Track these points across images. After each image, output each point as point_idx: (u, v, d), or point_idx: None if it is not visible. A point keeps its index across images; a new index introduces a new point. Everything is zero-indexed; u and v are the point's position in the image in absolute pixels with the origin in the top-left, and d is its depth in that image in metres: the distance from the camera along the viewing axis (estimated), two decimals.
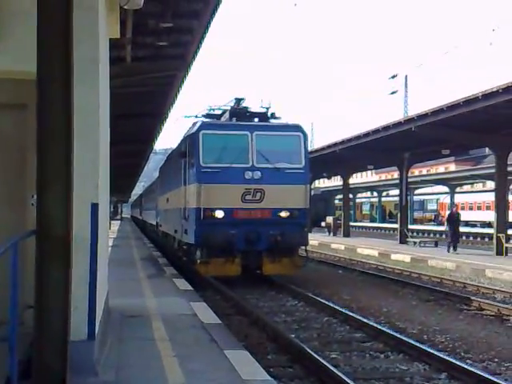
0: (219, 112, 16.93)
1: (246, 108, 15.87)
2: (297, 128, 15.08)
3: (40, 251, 3.86)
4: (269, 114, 15.70)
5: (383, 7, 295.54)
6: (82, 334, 5.18)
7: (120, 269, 14.36)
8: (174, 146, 21.74)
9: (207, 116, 16.94)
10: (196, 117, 17.08)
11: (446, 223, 25.66)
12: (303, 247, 14.99)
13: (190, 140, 15.02)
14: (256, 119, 15.57)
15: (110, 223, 21.95)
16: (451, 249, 23.91)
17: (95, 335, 5.36)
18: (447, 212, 51.83)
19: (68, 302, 3.89)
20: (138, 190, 74.01)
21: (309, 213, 14.93)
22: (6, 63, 5.30)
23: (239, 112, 15.61)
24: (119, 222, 64.22)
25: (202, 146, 14.29)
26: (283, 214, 14.27)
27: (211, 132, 14.64)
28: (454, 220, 24.46)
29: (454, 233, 24.35)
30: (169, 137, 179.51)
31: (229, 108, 16.06)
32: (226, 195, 14.04)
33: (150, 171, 72.92)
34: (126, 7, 7.84)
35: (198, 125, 15.01)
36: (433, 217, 59.27)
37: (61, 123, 3.87)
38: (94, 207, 5.36)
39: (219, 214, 13.99)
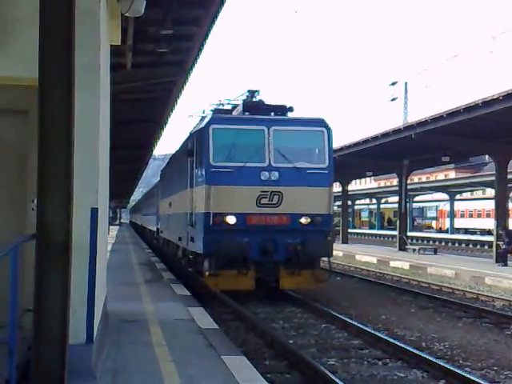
0: (229, 107, 15.17)
1: (261, 101, 14.11)
2: (320, 122, 13.31)
3: (40, 255, 3.88)
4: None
5: (384, 15, 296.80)
6: (81, 338, 5.20)
7: (118, 273, 14.36)
8: (174, 151, 21.21)
9: (216, 112, 15.03)
10: (203, 112, 15.44)
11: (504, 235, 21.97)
12: (326, 258, 13.26)
13: (198, 136, 13.33)
14: (272, 114, 13.65)
15: (108, 228, 21.94)
16: None
17: (93, 339, 5.38)
18: (447, 219, 52.06)
19: (67, 306, 3.91)
20: (136, 195, 74.06)
21: (332, 219, 13.40)
22: (8, 69, 5.34)
23: (254, 105, 13.82)
24: (118, 227, 64.23)
25: (212, 142, 12.61)
26: (304, 221, 12.67)
27: (223, 126, 12.91)
28: None
29: None
30: (168, 143, 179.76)
31: (240, 102, 14.28)
32: (239, 198, 12.46)
33: (149, 177, 73.08)
34: (127, 14, 7.91)
35: (207, 119, 13.33)
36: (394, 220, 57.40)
37: (62, 129, 3.91)
38: (94, 212, 5.40)
39: (231, 219, 12.42)
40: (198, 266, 13.52)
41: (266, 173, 12.56)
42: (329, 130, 13.24)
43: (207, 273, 12.61)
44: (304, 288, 13.36)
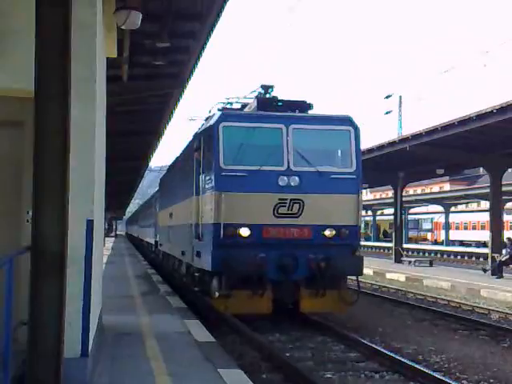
0: (239, 106, 13.39)
1: (275, 97, 12.43)
2: (346, 121, 11.66)
3: (35, 267, 3.87)
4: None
5: (377, 29, 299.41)
6: (76, 351, 5.16)
7: (114, 286, 14.30)
8: (172, 160, 20.17)
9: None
10: (209, 112, 13.53)
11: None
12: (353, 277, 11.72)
13: (206, 135, 11.66)
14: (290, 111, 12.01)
15: (104, 240, 21.83)
16: None
17: (88, 352, 5.33)
18: (442, 231, 52.20)
19: (62, 319, 3.89)
20: (132, 207, 74.03)
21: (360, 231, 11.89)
22: (4, 81, 5.35)
23: (269, 101, 12.14)
24: (114, 239, 64.08)
25: (222, 142, 11.00)
26: (328, 233, 11.14)
27: (234, 124, 11.30)
28: None
29: None
30: (165, 154, 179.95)
31: (251, 100, 12.64)
32: (254, 207, 10.90)
33: (145, 188, 73.18)
34: (123, 27, 7.95)
35: (216, 116, 11.52)
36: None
37: (58, 140, 3.91)
38: (89, 224, 5.38)
39: (244, 232, 10.83)
40: (205, 286, 11.81)
41: (285, 178, 11.02)
42: (356, 129, 11.62)
43: (216, 293, 10.94)
44: (328, 312, 11.85)
